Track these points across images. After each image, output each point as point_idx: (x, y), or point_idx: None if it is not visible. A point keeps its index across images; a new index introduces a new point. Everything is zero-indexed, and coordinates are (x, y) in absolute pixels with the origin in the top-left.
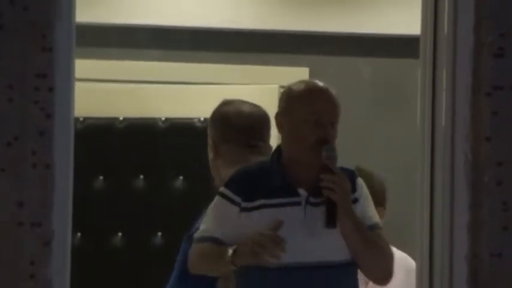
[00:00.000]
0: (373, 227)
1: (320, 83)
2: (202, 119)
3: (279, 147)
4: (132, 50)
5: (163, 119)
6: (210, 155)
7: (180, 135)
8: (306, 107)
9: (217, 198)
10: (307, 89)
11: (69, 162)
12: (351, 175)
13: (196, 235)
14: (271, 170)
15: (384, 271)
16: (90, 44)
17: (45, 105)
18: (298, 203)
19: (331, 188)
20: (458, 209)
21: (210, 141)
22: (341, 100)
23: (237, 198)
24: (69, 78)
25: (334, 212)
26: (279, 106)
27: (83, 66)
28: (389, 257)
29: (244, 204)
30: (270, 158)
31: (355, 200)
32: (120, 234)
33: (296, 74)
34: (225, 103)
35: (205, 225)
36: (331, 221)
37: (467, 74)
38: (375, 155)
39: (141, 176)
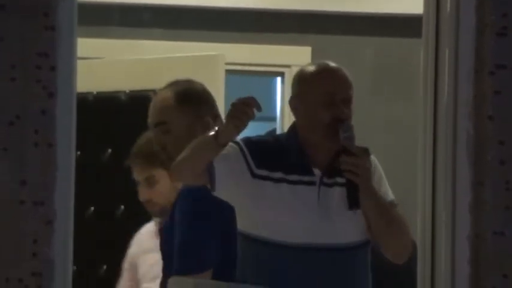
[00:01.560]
0: (390, 204)
1: (331, 64)
2: None
3: (294, 125)
4: (135, 28)
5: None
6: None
7: None
8: (319, 88)
9: (231, 151)
10: (319, 70)
11: (71, 141)
12: (365, 152)
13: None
14: (288, 146)
15: (404, 247)
16: (92, 23)
17: (47, 84)
18: (312, 183)
19: (352, 171)
20: (460, 189)
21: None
22: None
23: (250, 160)
24: (71, 57)
25: (357, 193)
26: (293, 89)
27: (84, 45)
28: (408, 233)
29: (257, 171)
30: (286, 134)
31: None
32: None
33: (298, 53)
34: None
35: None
36: (354, 202)
37: (470, 53)
38: (377, 134)
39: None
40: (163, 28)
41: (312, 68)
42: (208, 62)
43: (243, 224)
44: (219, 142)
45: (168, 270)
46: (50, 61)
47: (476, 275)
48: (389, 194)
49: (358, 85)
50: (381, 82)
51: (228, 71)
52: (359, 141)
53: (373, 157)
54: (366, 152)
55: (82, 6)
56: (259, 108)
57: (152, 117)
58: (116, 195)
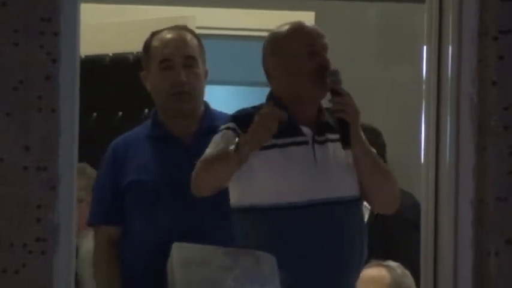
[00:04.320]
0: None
1: (298, 21)
2: None
3: (271, 93)
4: None
5: None
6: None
7: None
8: (297, 40)
9: (223, 131)
10: (293, 26)
11: (74, 106)
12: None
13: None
14: None
15: (391, 195)
16: None
17: (50, 49)
18: (305, 142)
19: (343, 110)
20: (464, 153)
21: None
22: (347, 44)
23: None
24: (74, 23)
25: (348, 132)
26: (267, 49)
27: (88, 10)
28: (395, 182)
29: None
30: (266, 100)
31: None
32: None
33: (302, 19)
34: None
35: (209, 150)
36: (346, 141)
37: (474, 18)
38: (381, 99)
39: None
40: None
41: (287, 26)
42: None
43: (242, 196)
44: (240, 156)
45: None
46: (53, 26)
47: (479, 240)
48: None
49: (361, 50)
50: (385, 47)
51: (231, 37)
52: (362, 104)
53: None
54: None
55: None
56: (284, 121)
57: (177, 51)
58: None
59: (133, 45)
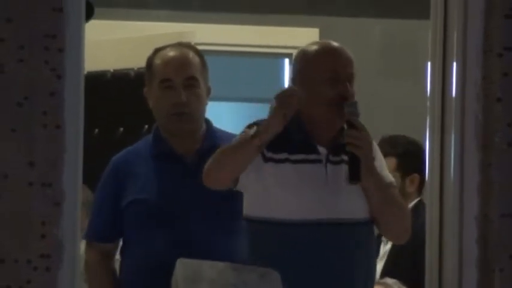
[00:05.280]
0: (390, 184)
1: (333, 42)
2: None
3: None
4: (141, 10)
5: None
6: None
7: None
8: (323, 66)
9: (243, 131)
10: (323, 48)
11: (79, 122)
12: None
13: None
14: (292, 126)
15: (402, 227)
16: (100, 5)
17: (55, 65)
18: (319, 161)
19: (355, 144)
20: (468, 170)
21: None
22: None
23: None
24: (79, 39)
25: (358, 167)
26: (294, 67)
27: (89, 27)
28: (407, 214)
29: (268, 154)
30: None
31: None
32: None
33: (306, 35)
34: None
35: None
36: (355, 176)
37: (479, 35)
38: (384, 115)
39: None
40: (169, 10)
41: (315, 47)
42: (178, 40)
43: (252, 208)
44: (261, 139)
45: None
46: (58, 43)
47: (484, 256)
48: (390, 178)
49: (365, 66)
50: (388, 64)
51: (236, 53)
52: (366, 121)
53: (374, 142)
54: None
55: None
56: (300, 101)
57: (178, 72)
58: None
59: (134, 61)
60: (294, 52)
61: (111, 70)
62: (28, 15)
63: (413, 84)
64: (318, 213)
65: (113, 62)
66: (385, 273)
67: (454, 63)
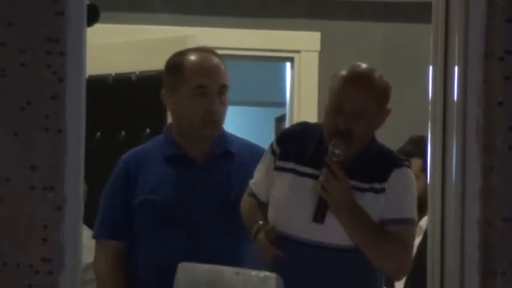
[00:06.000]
0: (399, 221)
1: (365, 69)
2: None
3: None
4: (144, 14)
5: None
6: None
7: None
8: (333, 95)
9: (266, 152)
10: (342, 75)
11: (81, 126)
12: (390, 163)
13: (250, 183)
14: (311, 137)
15: (395, 266)
16: (102, 8)
17: (57, 69)
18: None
19: (326, 189)
20: (470, 174)
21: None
22: None
23: (277, 153)
24: (81, 43)
25: (324, 210)
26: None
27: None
28: (402, 253)
29: (278, 163)
30: (315, 125)
31: (382, 190)
32: None
33: (308, 39)
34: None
35: (256, 173)
36: (317, 216)
37: (480, 39)
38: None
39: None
40: (171, 13)
41: (344, 70)
42: (180, 44)
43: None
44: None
45: None
46: (59, 46)
47: (486, 261)
48: (404, 212)
49: None
50: (390, 67)
51: (238, 57)
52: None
53: (399, 172)
54: (392, 163)
55: None
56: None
57: (215, 79)
58: None
59: (136, 65)
60: (296, 56)
61: (113, 74)
62: (29, 19)
63: (415, 88)
64: (305, 233)
65: (114, 65)
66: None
67: (456, 67)
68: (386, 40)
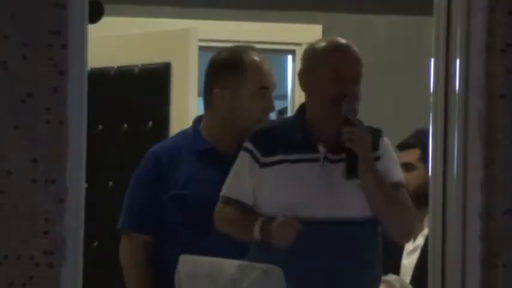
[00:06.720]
0: (396, 185)
1: (342, 40)
2: None
3: (303, 105)
4: (146, 7)
5: None
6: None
7: None
8: (326, 64)
9: (241, 152)
10: (328, 46)
11: (82, 118)
12: (375, 133)
13: (222, 193)
14: (293, 126)
15: (404, 227)
16: (104, 1)
17: (58, 62)
18: (316, 159)
19: (352, 139)
20: (471, 167)
21: None
22: None
23: (257, 153)
24: (82, 35)
25: (355, 163)
26: (302, 64)
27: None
28: (411, 214)
29: (263, 160)
30: (294, 114)
31: (377, 158)
32: None
33: (309, 32)
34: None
35: (230, 181)
36: (351, 171)
37: (482, 32)
38: (388, 113)
39: None
40: (173, 6)
41: (322, 44)
42: (181, 36)
43: (256, 207)
44: (261, 239)
45: None
46: (61, 39)
47: (487, 253)
48: (397, 176)
49: (368, 63)
50: (392, 60)
51: None
52: (369, 118)
53: (385, 140)
54: (377, 133)
55: None
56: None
57: (273, 80)
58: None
59: (139, 58)
60: (297, 48)
61: (115, 67)
62: (31, 11)
63: (417, 80)
64: (313, 212)
65: (116, 58)
66: (418, 268)
67: (457, 60)
68: (388, 33)
